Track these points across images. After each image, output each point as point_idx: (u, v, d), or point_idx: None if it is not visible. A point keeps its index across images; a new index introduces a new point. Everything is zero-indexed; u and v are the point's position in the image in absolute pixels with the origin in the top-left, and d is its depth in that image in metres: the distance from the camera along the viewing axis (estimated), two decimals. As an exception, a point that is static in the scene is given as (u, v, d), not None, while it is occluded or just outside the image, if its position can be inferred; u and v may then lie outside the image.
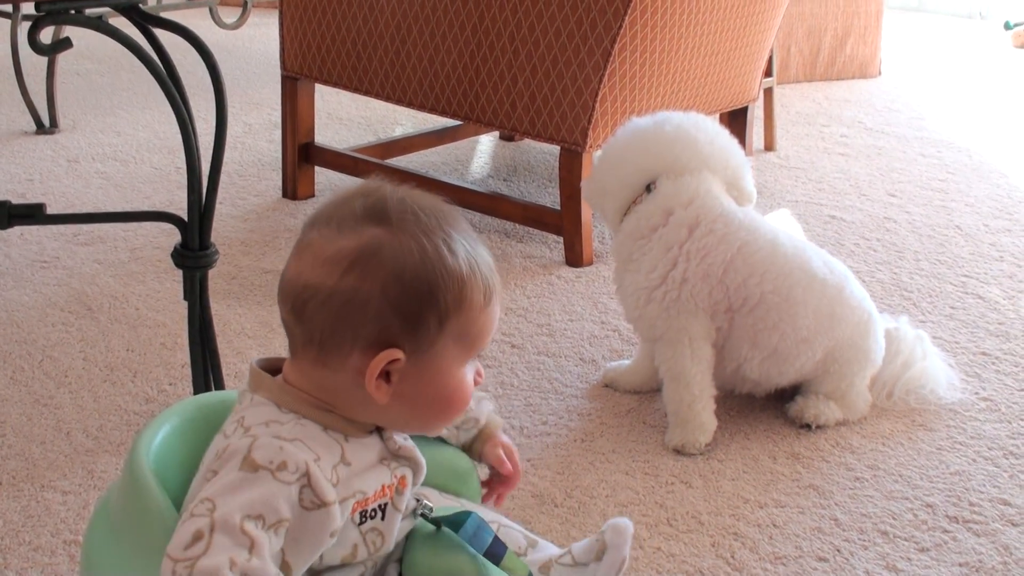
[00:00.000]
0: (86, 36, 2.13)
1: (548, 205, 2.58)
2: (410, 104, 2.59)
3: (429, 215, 0.97)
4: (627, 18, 2.27)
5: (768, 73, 3.26)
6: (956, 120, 3.83)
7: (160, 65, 1.58)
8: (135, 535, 0.97)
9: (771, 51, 3.14)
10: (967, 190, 3.06)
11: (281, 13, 2.73)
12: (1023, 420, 1.86)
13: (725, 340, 1.77)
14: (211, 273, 1.69)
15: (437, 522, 1.06)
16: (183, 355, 1.95)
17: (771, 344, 1.75)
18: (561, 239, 2.51)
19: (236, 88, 3.83)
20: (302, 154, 2.80)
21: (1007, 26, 5.52)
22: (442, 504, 1.10)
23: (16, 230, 2.45)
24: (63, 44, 1.57)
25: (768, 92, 3.30)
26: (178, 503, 0.97)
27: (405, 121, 3.55)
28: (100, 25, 1.52)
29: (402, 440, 1.03)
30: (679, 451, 1.74)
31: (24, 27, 3.24)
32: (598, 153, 1.94)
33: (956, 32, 5.70)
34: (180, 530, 0.88)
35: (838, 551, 1.51)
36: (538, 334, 2.11)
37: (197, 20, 3.20)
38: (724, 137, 1.82)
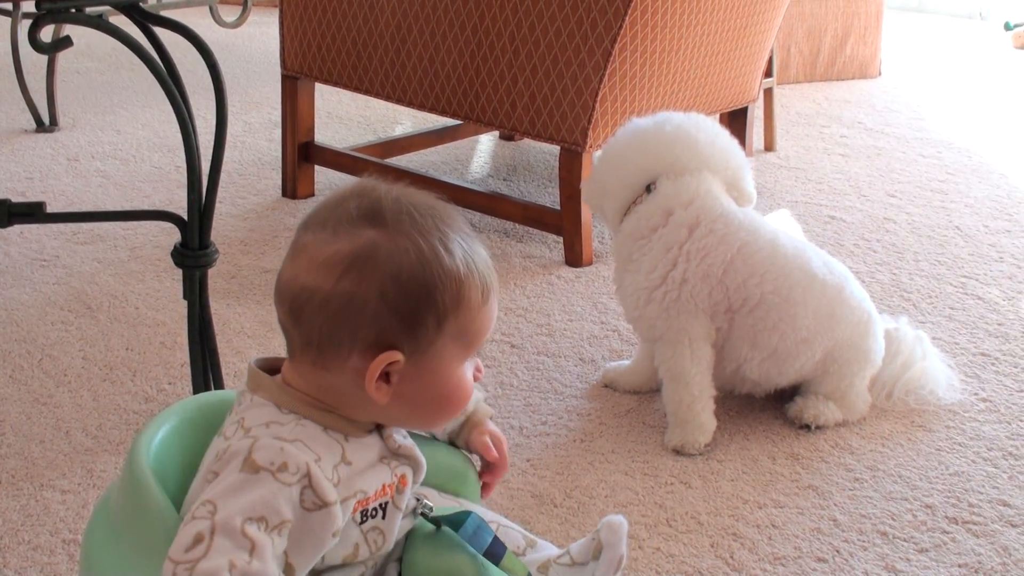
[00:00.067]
0: (86, 34, 2.13)
1: (548, 205, 2.58)
2: (410, 104, 2.59)
3: (424, 215, 0.97)
4: (627, 18, 2.27)
5: (768, 73, 3.26)
6: (956, 121, 3.83)
7: (160, 64, 1.58)
8: (134, 534, 0.97)
9: (771, 51, 3.14)
10: (967, 191, 3.06)
11: (281, 12, 2.73)
12: (1022, 421, 1.86)
13: (725, 340, 1.77)
14: (211, 272, 1.69)
15: (437, 521, 1.06)
16: (182, 354, 1.95)
17: (771, 344, 1.75)
18: (561, 239, 2.51)
19: (236, 87, 3.82)
20: (302, 153, 2.80)
21: (1007, 27, 5.52)
22: (442, 504, 1.10)
23: (16, 228, 2.45)
24: (63, 43, 1.57)
25: (768, 92, 3.30)
26: (177, 503, 0.97)
27: (405, 120, 3.55)
28: (100, 23, 1.52)
29: (402, 439, 1.03)
30: (678, 451, 1.74)
31: (24, 25, 3.23)
32: (598, 153, 1.94)
33: (956, 33, 5.70)
34: (181, 533, 0.88)
35: (837, 552, 1.51)
36: (538, 334, 2.11)
37: (197, 19, 3.19)
38: (724, 137, 1.82)
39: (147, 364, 1.94)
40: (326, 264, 0.94)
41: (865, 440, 1.79)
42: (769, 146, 3.37)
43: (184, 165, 1.64)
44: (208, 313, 1.69)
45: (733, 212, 1.77)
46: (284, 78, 2.78)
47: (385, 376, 0.96)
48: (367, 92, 2.66)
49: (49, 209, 1.66)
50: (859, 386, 1.83)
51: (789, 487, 1.66)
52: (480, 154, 3.24)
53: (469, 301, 0.97)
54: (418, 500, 1.06)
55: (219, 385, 1.72)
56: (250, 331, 2.07)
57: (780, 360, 1.77)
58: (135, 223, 2.55)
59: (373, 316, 0.94)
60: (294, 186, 2.80)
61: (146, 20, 1.63)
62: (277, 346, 1.99)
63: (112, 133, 3.27)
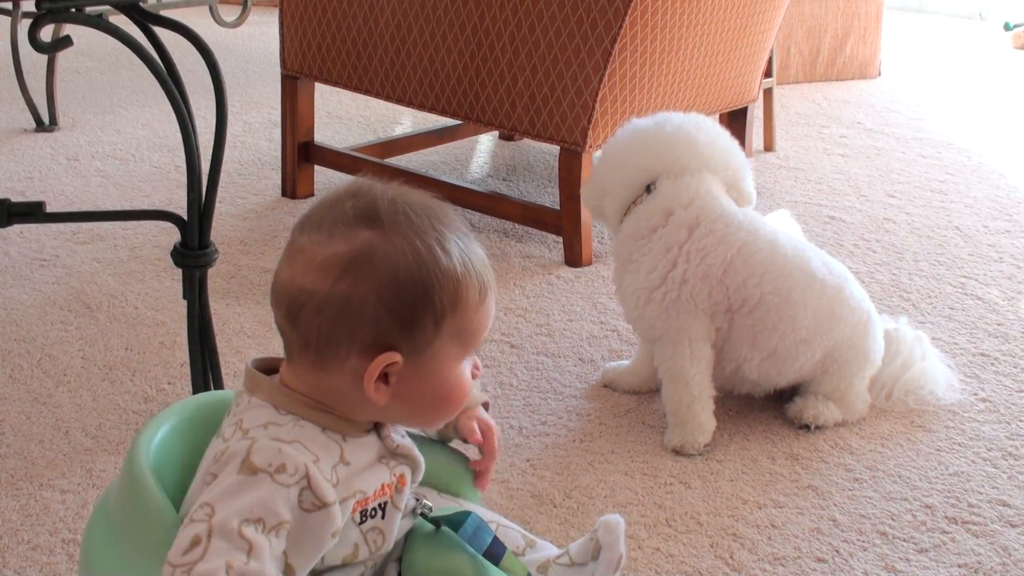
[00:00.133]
0: (86, 34, 2.13)
1: (547, 205, 2.58)
2: (410, 103, 2.59)
3: (421, 215, 0.96)
4: (627, 18, 2.27)
5: (768, 74, 3.26)
6: (956, 121, 3.83)
7: (160, 63, 1.58)
8: (134, 534, 0.97)
9: (771, 52, 3.14)
10: (966, 191, 3.06)
11: (281, 12, 2.73)
12: (1022, 421, 1.86)
13: (724, 341, 1.77)
14: (210, 272, 1.69)
15: (436, 522, 1.06)
16: (182, 354, 1.95)
17: (770, 345, 1.75)
18: (560, 239, 2.51)
19: (236, 87, 3.82)
20: (302, 153, 2.80)
21: (1007, 27, 5.52)
22: (441, 504, 1.10)
23: (15, 228, 2.45)
24: (63, 42, 1.57)
25: (768, 93, 3.30)
26: (177, 502, 0.97)
27: (405, 120, 3.55)
28: (100, 23, 1.52)
29: (400, 438, 1.03)
30: (678, 451, 1.74)
31: (24, 25, 3.23)
32: (598, 153, 1.94)
33: (956, 33, 5.70)
34: (180, 536, 0.88)
35: (837, 552, 1.51)
36: (537, 334, 2.11)
37: (197, 18, 3.19)
38: (724, 138, 1.82)
39: (147, 364, 1.94)
40: (323, 266, 0.94)
41: (865, 440, 1.79)
42: (769, 146, 3.37)
43: (184, 165, 1.64)
44: (208, 313, 1.69)
45: (733, 212, 1.77)
46: (284, 78, 2.78)
47: (384, 377, 0.96)
48: (367, 92, 2.66)
49: (49, 209, 1.66)
50: (859, 386, 1.83)
51: (789, 487, 1.66)
52: (480, 154, 3.24)
53: (467, 300, 0.97)
54: (417, 500, 1.06)
55: (219, 385, 1.72)
56: (250, 331, 2.07)
57: (780, 360, 1.77)
58: (135, 223, 2.55)
59: (371, 317, 0.94)
60: (294, 186, 2.80)
61: (146, 20, 1.63)
62: (277, 346, 1.99)
63: (112, 133, 3.27)
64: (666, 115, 1.83)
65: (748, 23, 2.69)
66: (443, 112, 2.54)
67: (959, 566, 1.49)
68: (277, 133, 3.29)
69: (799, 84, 4.26)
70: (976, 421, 1.86)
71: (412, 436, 1.08)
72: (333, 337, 0.94)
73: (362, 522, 0.98)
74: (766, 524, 1.57)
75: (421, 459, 1.04)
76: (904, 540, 1.54)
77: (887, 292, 2.36)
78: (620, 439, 1.77)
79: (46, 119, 3.27)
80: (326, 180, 2.89)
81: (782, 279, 1.74)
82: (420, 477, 1.04)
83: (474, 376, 1.03)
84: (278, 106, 3.40)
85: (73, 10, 1.51)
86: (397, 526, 1.02)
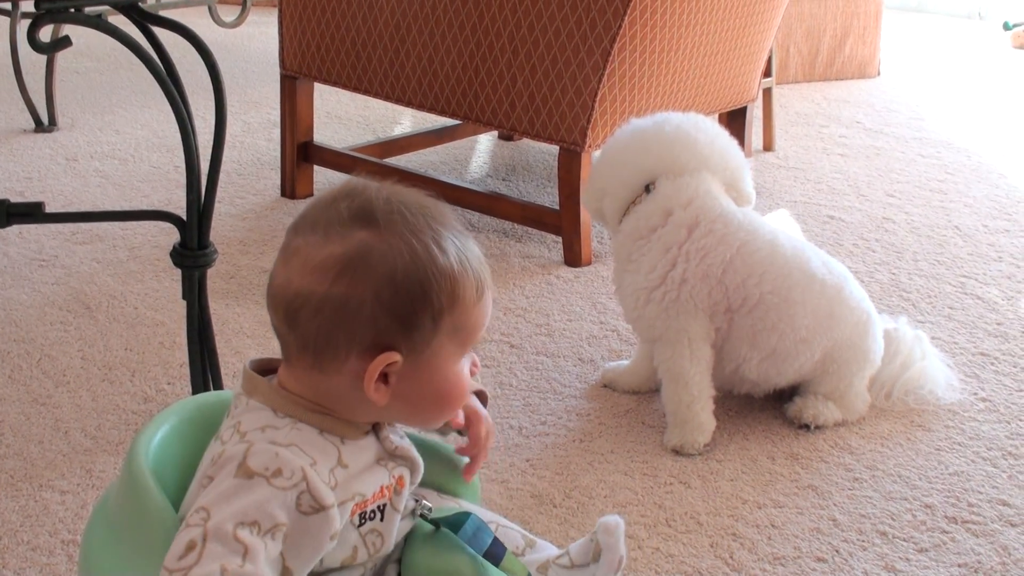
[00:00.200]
0: (85, 34, 2.13)
1: (547, 205, 2.57)
2: (409, 103, 2.59)
3: (416, 213, 0.96)
4: (627, 18, 2.27)
5: (767, 73, 3.26)
6: (955, 120, 3.83)
7: (159, 64, 1.58)
8: (134, 535, 0.97)
9: (770, 51, 3.14)
10: (966, 190, 3.06)
11: (280, 12, 2.73)
12: (1022, 420, 1.86)
13: (724, 340, 1.77)
14: (210, 272, 1.68)
15: (436, 523, 1.06)
16: (181, 354, 1.94)
17: (770, 344, 1.75)
18: (560, 239, 2.51)
19: (235, 87, 3.82)
20: (301, 153, 2.79)
21: (1006, 26, 5.52)
22: (441, 504, 1.10)
23: (14, 228, 2.45)
24: (62, 43, 1.57)
25: (767, 92, 3.30)
26: (176, 503, 0.97)
27: (404, 120, 3.55)
28: (99, 23, 1.51)
29: (399, 440, 1.03)
30: (678, 451, 1.74)
31: (23, 25, 3.23)
32: (597, 153, 1.94)
33: (955, 32, 5.70)
34: (176, 541, 0.89)
35: (837, 552, 1.51)
36: (537, 334, 2.11)
37: (196, 18, 3.19)
38: (724, 138, 1.82)
39: (146, 364, 1.94)
40: (320, 268, 0.94)
41: (864, 440, 1.79)
42: (768, 146, 3.37)
43: (183, 165, 1.64)
44: (207, 313, 1.69)
45: (732, 212, 1.77)
46: (283, 78, 2.78)
47: (383, 377, 0.96)
48: (366, 92, 2.66)
49: (48, 209, 1.66)
50: (858, 386, 1.83)
51: (788, 487, 1.66)
52: (479, 154, 3.24)
53: (464, 298, 0.96)
54: (417, 501, 1.06)
55: (218, 385, 1.72)
56: (249, 331, 2.07)
57: (779, 360, 1.77)
58: (134, 223, 2.55)
59: (369, 318, 0.93)
60: (293, 186, 2.80)
61: (145, 20, 1.63)
62: (276, 346, 1.98)
63: (111, 133, 3.27)
64: (665, 115, 1.83)
65: (747, 23, 2.69)
66: (442, 112, 2.54)
67: (959, 566, 1.49)
68: (276, 133, 3.29)
69: (798, 84, 4.27)
70: (976, 420, 1.86)
71: (410, 437, 1.07)
72: (331, 338, 0.94)
73: (361, 524, 0.98)
74: (766, 524, 1.57)
75: (420, 460, 1.03)
76: (904, 540, 1.54)
77: (886, 292, 2.36)
78: (620, 439, 1.77)
79: (45, 119, 3.27)
80: (325, 180, 2.88)
81: (781, 279, 1.74)
82: (419, 478, 1.04)
83: (472, 373, 1.02)
84: (277, 106, 3.40)
85: (72, 10, 1.51)
86: (396, 528, 1.02)
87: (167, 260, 2.33)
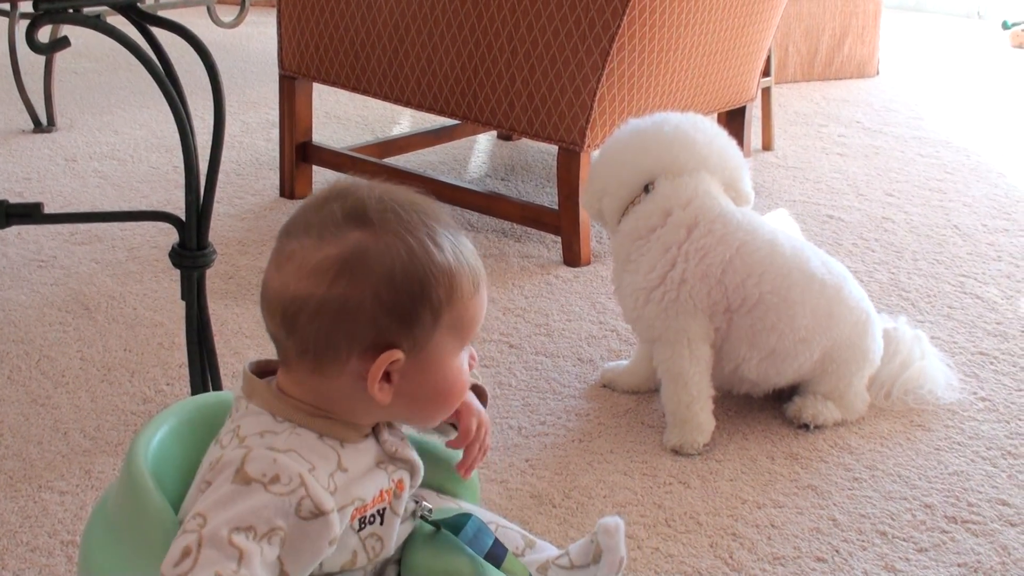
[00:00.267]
0: (84, 35, 2.13)
1: (546, 205, 2.57)
2: (408, 103, 2.59)
3: (409, 211, 0.96)
4: (625, 18, 2.27)
5: (766, 73, 3.26)
6: (954, 120, 3.83)
7: (158, 64, 1.58)
8: (133, 536, 0.97)
9: (769, 51, 3.14)
10: (965, 190, 3.06)
11: (279, 12, 2.73)
12: (1021, 420, 1.86)
13: (723, 340, 1.77)
14: (209, 273, 1.68)
15: (437, 524, 1.06)
16: (180, 355, 1.94)
17: (769, 344, 1.75)
18: (559, 239, 2.51)
19: (234, 87, 3.82)
20: (300, 153, 2.79)
21: (1005, 26, 5.53)
22: (440, 505, 1.10)
23: (13, 229, 2.45)
24: (61, 43, 1.56)
25: (766, 92, 3.30)
26: (176, 504, 0.97)
27: (403, 120, 3.55)
28: (98, 24, 1.51)
29: (398, 442, 1.02)
30: (677, 451, 1.74)
31: (22, 25, 3.23)
32: (596, 153, 1.94)
33: (954, 32, 5.70)
34: (172, 547, 0.89)
35: (836, 552, 1.51)
36: (536, 334, 2.11)
37: (195, 19, 3.19)
38: (723, 138, 1.82)
39: (145, 365, 1.93)
40: (316, 270, 0.93)
41: (864, 440, 1.79)
42: (767, 145, 3.37)
43: (182, 165, 1.64)
44: (206, 314, 1.69)
45: (731, 212, 1.77)
46: (282, 78, 2.77)
47: (386, 376, 0.95)
48: (365, 92, 2.65)
49: (47, 210, 1.66)
50: (858, 386, 1.83)
51: (788, 487, 1.66)
52: (478, 154, 3.23)
53: (462, 292, 0.96)
54: (417, 503, 1.05)
55: (217, 386, 1.72)
56: (248, 331, 2.06)
57: (778, 360, 1.77)
58: (133, 223, 2.55)
59: (369, 318, 0.93)
60: (292, 186, 2.80)
61: (144, 20, 1.63)
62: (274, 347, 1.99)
63: (110, 133, 3.27)
64: (664, 115, 1.83)
65: (746, 22, 2.69)
66: (441, 112, 2.54)
67: (958, 565, 1.49)
68: (275, 133, 3.28)
69: (797, 83, 4.27)
70: (975, 420, 1.86)
71: (410, 438, 1.07)
72: (332, 341, 0.94)
73: (360, 529, 0.98)
74: (765, 524, 1.56)
75: (420, 463, 1.03)
76: (904, 539, 1.54)
77: (886, 291, 2.36)
78: (619, 439, 1.77)
79: (44, 120, 3.27)
80: (324, 180, 2.88)
81: (781, 279, 1.74)
82: (419, 481, 1.04)
83: (471, 367, 1.02)
84: (276, 106, 3.40)
85: (71, 11, 1.51)
86: (396, 531, 1.02)
87: (166, 261, 2.33)
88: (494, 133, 3.35)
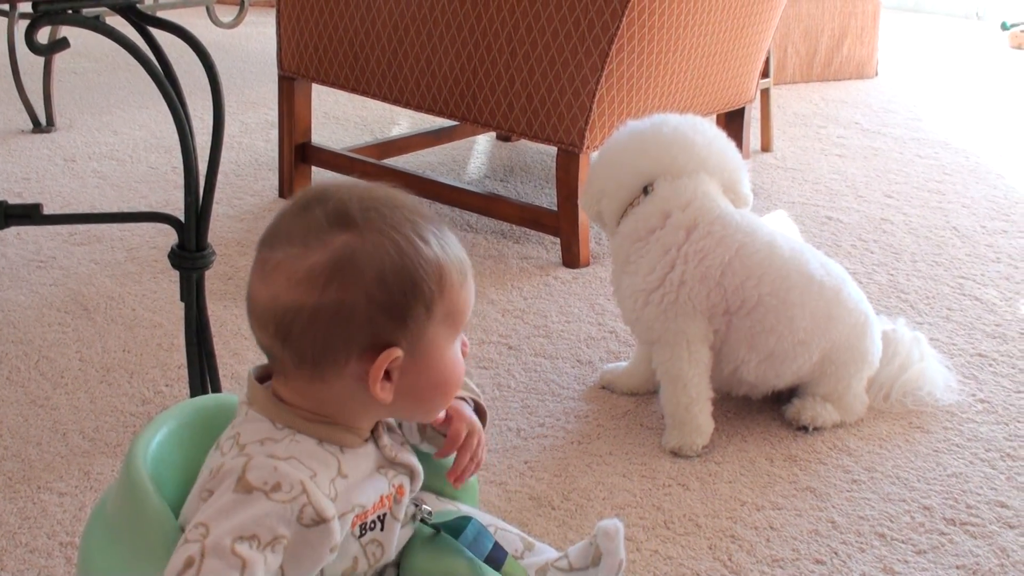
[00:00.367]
0: (83, 35, 2.13)
1: (545, 206, 2.57)
2: (407, 104, 2.59)
3: (392, 208, 0.96)
4: (624, 19, 2.27)
5: (765, 74, 3.26)
6: (953, 121, 3.83)
7: (157, 65, 1.58)
8: (132, 538, 0.97)
9: (768, 52, 3.14)
10: (964, 191, 3.06)
11: (278, 12, 2.73)
12: (1020, 422, 1.86)
13: (722, 342, 1.77)
14: (208, 274, 1.68)
15: (437, 528, 1.06)
16: (180, 356, 1.94)
17: (768, 346, 1.75)
18: (558, 240, 2.51)
19: (233, 88, 3.82)
20: (299, 154, 2.79)
21: (1004, 26, 5.53)
22: (440, 508, 1.10)
23: (12, 230, 2.45)
24: (60, 44, 1.56)
25: (765, 93, 3.30)
26: (175, 506, 0.97)
27: (402, 121, 3.55)
28: (97, 25, 1.51)
29: (398, 447, 1.02)
30: (676, 453, 1.74)
31: (21, 26, 3.23)
32: (595, 155, 1.94)
33: (953, 33, 5.70)
34: (174, 557, 0.88)
35: (835, 553, 1.51)
36: (535, 336, 2.11)
37: (194, 19, 3.19)
38: (722, 139, 1.82)
39: (144, 366, 1.93)
40: (306, 278, 0.93)
41: (863, 442, 1.79)
42: (766, 147, 3.37)
43: (181, 166, 1.64)
44: (205, 315, 1.69)
45: (730, 214, 1.77)
46: (281, 79, 2.77)
47: (386, 374, 0.95)
48: (364, 93, 2.65)
49: (46, 210, 1.66)
50: (856, 387, 1.83)
51: (787, 489, 1.66)
52: (477, 155, 3.23)
53: (452, 283, 0.97)
54: (417, 506, 1.05)
55: (216, 388, 1.72)
56: (247, 333, 2.06)
57: (777, 362, 1.77)
58: (132, 224, 2.55)
59: (365, 319, 0.93)
60: (291, 187, 2.79)
61: (143, 21, 1.63)
62: (274, 348, 1.99)
63: (109, 134, 3.26)
64: (663, 116, 1.83)
65: (745, 24, 2.69)
66: (440, 113, 2.54)
67: (957, 567, 1.49)
68: (274, 134, 3.28)
69: (796, 84, 4.27)
70: (974, 422, 1.86)
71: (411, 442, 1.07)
72: (329, 347, 0.93)
73: (361, 535, 0.98)
74: (764, 526, 1.56)
75: (419, 468, 1.03)
76: (902, 541, 1.54)
77: (885, 293, 2.36)
78: (618, 441, 1.77)
79: (43, 120, 3.27)
80: (323, 181, 2.88)
81: (780, 280, 1.74)
82: (419, 486, 1.04)
83: (464, 354, 1.02)
84: (275, 107, 3.40)
85: (70, 12, 1.51)
86: (396, 537, 1.02)
87: (165, 261, 2.33)
88: (493, 134, 3.35)
